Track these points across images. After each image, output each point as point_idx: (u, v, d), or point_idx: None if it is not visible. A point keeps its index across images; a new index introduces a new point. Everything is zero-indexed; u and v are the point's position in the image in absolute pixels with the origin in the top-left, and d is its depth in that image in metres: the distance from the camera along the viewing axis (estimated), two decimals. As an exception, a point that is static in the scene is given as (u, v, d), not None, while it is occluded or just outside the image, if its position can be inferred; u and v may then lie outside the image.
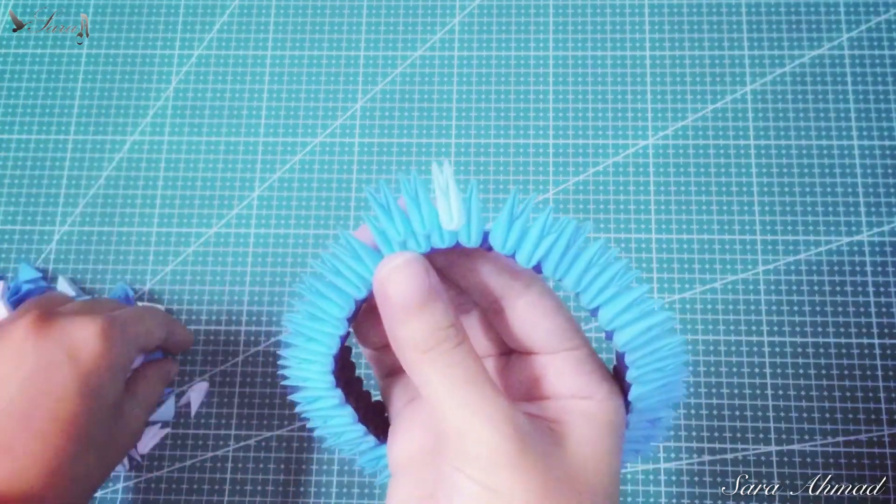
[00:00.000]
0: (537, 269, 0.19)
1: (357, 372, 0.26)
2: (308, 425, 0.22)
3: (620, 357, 0.20)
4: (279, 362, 0.22)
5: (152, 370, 0.36)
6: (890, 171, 0.43)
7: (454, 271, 0.21)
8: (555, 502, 0.17)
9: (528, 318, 0.20)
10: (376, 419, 0.24)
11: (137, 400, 0.34)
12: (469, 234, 0.18)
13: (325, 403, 0.21)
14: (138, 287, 0.43)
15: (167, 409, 0.40)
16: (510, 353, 0.22)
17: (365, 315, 0.22)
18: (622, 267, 0.19)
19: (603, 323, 0.19)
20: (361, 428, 0.22)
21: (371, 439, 0.22)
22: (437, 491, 0.19)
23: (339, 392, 0.21)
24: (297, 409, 0.22)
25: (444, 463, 0.18)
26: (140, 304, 0.42)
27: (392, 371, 0.24)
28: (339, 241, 0.20)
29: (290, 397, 0.22)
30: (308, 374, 0.21)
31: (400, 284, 0.18)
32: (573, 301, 0.41)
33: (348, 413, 0.21)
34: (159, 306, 0.41)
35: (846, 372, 0.40)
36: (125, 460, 0.40)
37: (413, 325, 0.18)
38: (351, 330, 0.22)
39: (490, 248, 0.19)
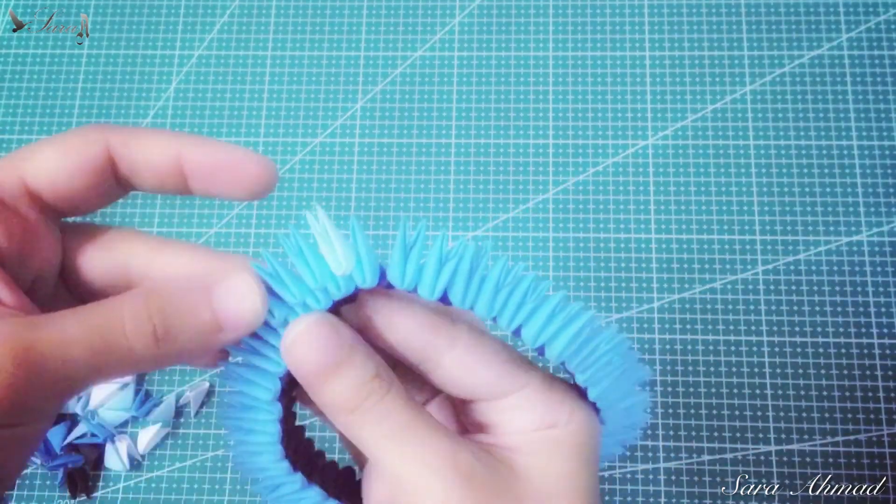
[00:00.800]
0: (444, 300, 0.18)
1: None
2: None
3: (564, 367, 0.19)
4: (231, 456, 0.20)
5: None
6: (889, 171, 0.43)
7: (370, 333, 0.19)
8: None
9: (460, 374, 0.19)
10: (349, 487, 0.23)
11: None
12: (363, 275, 0.17)
13: (288, 489, 0.20)
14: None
15: (167, 409, 0.41)
16: None
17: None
18: (533, 281, 0.17)
19: (529, 341, 0.18)
20: (335, 503, 0.20)
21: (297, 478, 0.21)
22: None
23: (299, 476, 0.20)
24: (261, 499, 0.20)
25: None
26: None
27: None
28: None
29: (252, 488, 0.21)
30: (261, 465, 0.20)
31: (308, 351, 0.17)
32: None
33: (315, 493, 0.20)
34: None
35: (845, 372, 0.40)
36: (125, 459, 0.40)
37: (333, 388, 0.17)
38: (291, 405, 0.21)
39: (390, 286, 0.18)
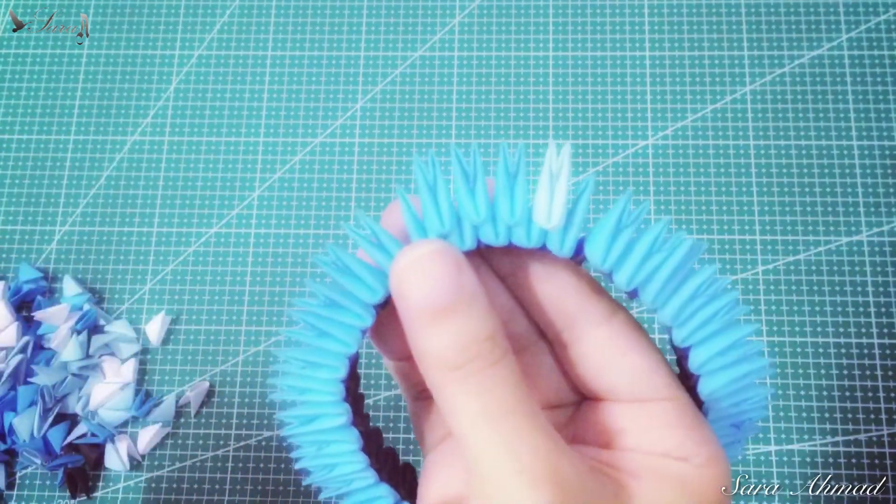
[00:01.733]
0: (631, 293, 0.15)
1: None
2: (296, 457, 0.17)
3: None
4: (275, 366, 0.17)
5: None
6: (889, 171, 0.43)
7: (517, 279, 0.16)
8: None
9: (606, 353, 0.16)
10: (383, 457, 0.19)
11: None
12: (563, 240, 0.14)
13: (327, 423, 0.16)
14: (139, 287, 0.43)
15: (167, 409, 0.41)
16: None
17: (385, 314, 0.17)
18: (731, 300, 0.15)
19: (693, 365, 0.15)
20: (364, 458, 0.17)
21: (370, 475, 0.17)
22: None
23: (346, 407, 0.16)
24: (285, 432, 0.17)
25: None
26: None
27: (425, 392, 0.18)
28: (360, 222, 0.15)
29: (279, 416, 0.17)
30: (310, 384, 0.16)
31: (423, 280, 0.14)
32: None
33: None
34: None
35: (846, 372, 0.40)
36: (125, 459, 0.40)
37: (439, 335, 0.14)
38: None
39: (582, 260, 0.15)
